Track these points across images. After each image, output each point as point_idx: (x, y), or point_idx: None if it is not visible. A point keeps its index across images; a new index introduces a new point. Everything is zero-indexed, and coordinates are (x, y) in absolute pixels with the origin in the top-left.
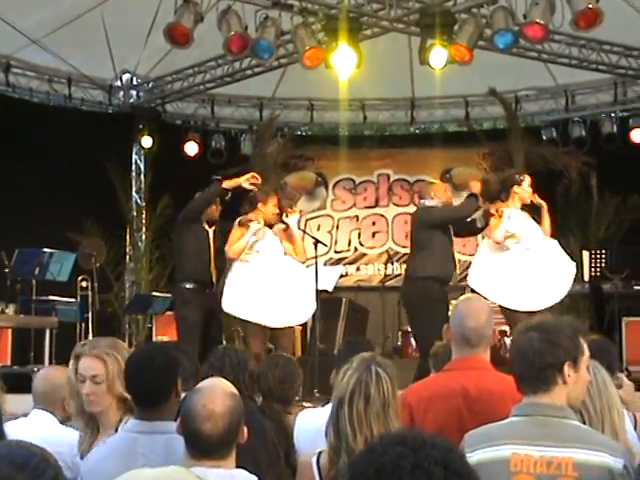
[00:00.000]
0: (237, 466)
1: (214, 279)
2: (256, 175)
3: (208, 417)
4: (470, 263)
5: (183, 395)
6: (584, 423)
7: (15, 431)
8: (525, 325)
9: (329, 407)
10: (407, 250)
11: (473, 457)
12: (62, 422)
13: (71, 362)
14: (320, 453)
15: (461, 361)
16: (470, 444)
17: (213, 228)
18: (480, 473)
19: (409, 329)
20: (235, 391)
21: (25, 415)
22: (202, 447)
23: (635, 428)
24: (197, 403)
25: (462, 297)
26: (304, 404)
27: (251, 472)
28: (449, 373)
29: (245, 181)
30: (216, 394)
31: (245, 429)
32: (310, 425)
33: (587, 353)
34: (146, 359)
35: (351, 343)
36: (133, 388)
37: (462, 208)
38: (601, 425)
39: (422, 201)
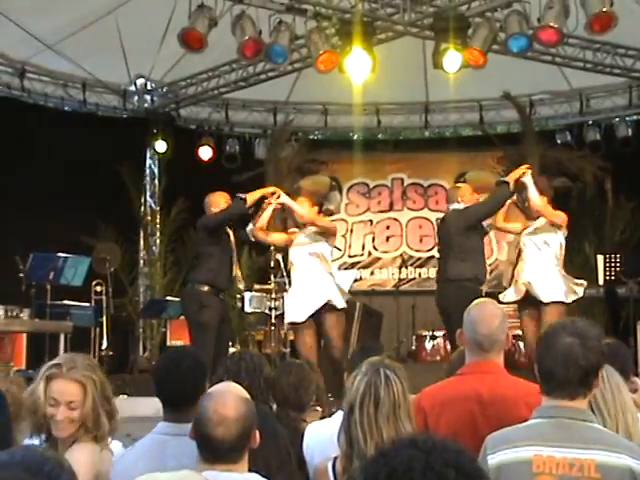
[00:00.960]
0: (249, 469)
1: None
2: (275, 191)
3: (220, 422)
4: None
5: None
6: None
7: None
8: (559, 329)
9: (337, 416)
10: (421, 254)
11: (495, 459)
12: None
13: (41, 382)
14: (336, 458)
15: (474, 365)
16: (492, 446)
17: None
18: (502, 475)
19: (423, 333)
20: (247, 396)
21: None
22: (214, 451)
23: None
24: (209, 408)
25: (475, 302)
26: (317, 408)
27: (262, 476)
28: (463, 377)
29: (265, 194)
30: (228, 399)
31: (257, 434)
32: (319, 436)
33: None
34: (175, 362)
35: (364, 348)
36: (163, 390)
37: (494, 199)
38: (615, 428)
39: (450, 206)
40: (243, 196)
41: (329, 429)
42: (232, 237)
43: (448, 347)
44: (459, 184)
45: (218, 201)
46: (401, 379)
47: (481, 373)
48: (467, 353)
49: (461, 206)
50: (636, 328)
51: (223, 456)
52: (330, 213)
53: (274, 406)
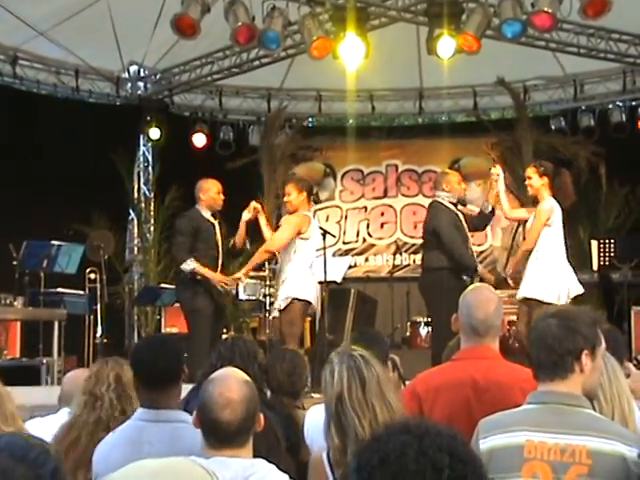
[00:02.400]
0: None
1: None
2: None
3: (226, 405)
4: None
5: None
6: (594, 411)
7: (42, 428)
8: (545, 312)
9: None
10: (415, 241)
11: (487, 443)
12: None
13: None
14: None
15: (469, 351)
16: (484, 430)
17: (218, 220)
18: (493, 459)
19: (418, 319)
20: (249, 379)
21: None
22: (221, 436)
23: None
24: (214, 392)
25: (470, 287)
26: (313, 395)
27: None
28: (457, 363)
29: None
30: (232, 382)
31: (262, 416)
32: (319, 420)
33: (603, 343)
34: (157, 343)
35: (363, 334)
36: (143, 371)
37: (464, 255)
38: (611, 413)
39: (436, 192)
40: (232, 243)
41: None
42: (217, 228)
43: None
44: (448, 170)
45: (208, 188)
46: (373, 357)
47: (476, 359)
48: (462, 338)
49: (445, 195)
50: (630, 313)
51: (230, 440)
52: (317, 201)
53: (268, 393)
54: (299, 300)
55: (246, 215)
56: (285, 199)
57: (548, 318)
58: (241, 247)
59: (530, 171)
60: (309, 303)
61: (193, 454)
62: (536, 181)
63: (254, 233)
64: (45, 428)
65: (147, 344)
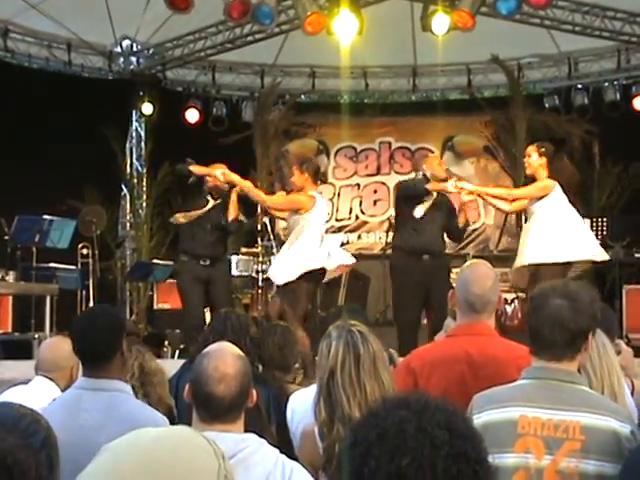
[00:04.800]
0: None
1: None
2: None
3: (221, 379)
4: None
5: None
6: None
7: (15, 397)
8: (549, 290)
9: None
10: None
11: (481, 418)
12: (64, 391)
13: None
14: None
15: (465, 327)
16: (478, 405)
17: (218, 201)
18: (487, 434)
19: None
20: (243, 354)
21: (26, 382)
22: (214, 410)
23: (632, 394)
24: (208, 366)
25: (467, 263)
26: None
27: None
28: (453, 339)
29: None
30: (226, 356)
31: (254, 392)
32: (305, 404)
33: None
34: (90, 319)
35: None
36: (78, 346)
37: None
38: (601, 389)
39: (415, 174)
40: (189, 161)
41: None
42: (209, 206)
43: None
44: (431, 154)
45: None
46: (372, 333)
47: (472, 335)
48: (458, 314)
49: (419, 175)
50: (622, 291)
51: (222, 415)
52: (324, 181)
53: (260, 367)
54: (305, 274)
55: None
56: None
57: (557, 298)
58: (235, 221)
59: (531, 149)
60: (319, 274)
61: (128, 422)
62: (535, 160)
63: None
64: (21, 398)
65: (80, 319)
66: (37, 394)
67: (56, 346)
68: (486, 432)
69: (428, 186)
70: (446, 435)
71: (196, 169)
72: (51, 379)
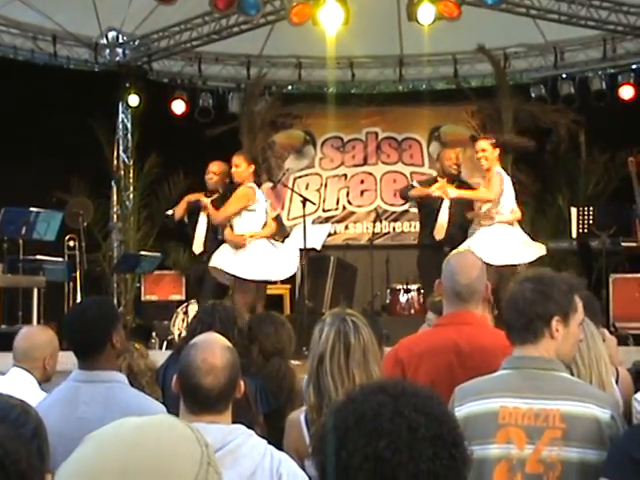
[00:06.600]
0: None
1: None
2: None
3: (209, 371)
4: None
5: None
6: (572, 376)
7: None
8: (522, 276)
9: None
10: (395, 208)
11: (462, 410)
12: (40, 382)
13: None
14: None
15: (452, 316)
16: (460, 397)
17: (210, 198)
18: (469, 426)
19: (397, 287)
20: (231, 345)
21: (3, 373)
22: (202, 402)
23: (617, 382)
24: (196, 357)
25: (454, 252)
26: (293, 362)
27: None
28: (441, 328)
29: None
30: (216, 348)
31: (242, 383)
32: None
33: (580, 311)
34: (80, 311)
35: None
36: (70, 339)
37: None
38: (589, 378)
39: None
40: (170, 213)
41: None
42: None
43: (422, 301)
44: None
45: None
46: (367, 326)
47: (459, 324)
48: (445, 303)
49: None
50: (608, 280)
51: (210, 406)
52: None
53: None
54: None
55: (192, 196)
56: (232, 170)
57: (524, 282)
58: (179, 221)
59: (483, 144)
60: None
61: (127, 413)
62: (490, 153)
63: None
64: None
65: (71, 315)
66: (13, 385)
67: (29, 336)
68: (467, 424)
69: (412, 192)
70: (422, 418)
71: (178, 212)
72: (27, 370)
